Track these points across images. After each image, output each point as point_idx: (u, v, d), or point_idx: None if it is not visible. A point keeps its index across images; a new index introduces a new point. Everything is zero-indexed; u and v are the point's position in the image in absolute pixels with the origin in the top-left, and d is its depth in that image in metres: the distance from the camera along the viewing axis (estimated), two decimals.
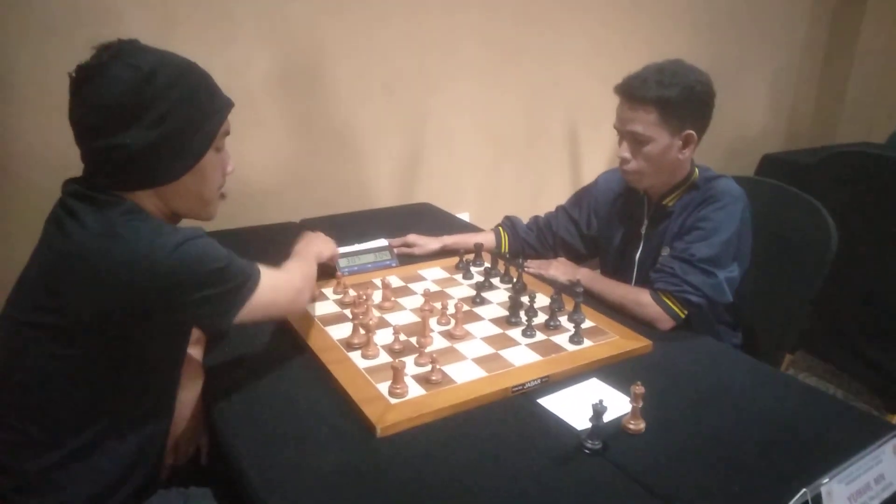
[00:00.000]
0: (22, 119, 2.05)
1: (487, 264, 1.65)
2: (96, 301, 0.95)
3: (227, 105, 1.09)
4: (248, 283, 1.07)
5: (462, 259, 1.66)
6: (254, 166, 2.30)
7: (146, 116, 0.96)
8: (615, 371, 1.26)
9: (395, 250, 1.74)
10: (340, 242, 1.69)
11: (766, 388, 1.26)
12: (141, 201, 1.02)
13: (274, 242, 1.90)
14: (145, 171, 1.00)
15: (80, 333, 0.96)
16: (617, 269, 1.69)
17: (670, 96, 1.43)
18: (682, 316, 1.45)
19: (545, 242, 1.80)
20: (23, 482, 0.98)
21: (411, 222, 2.15)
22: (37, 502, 0.98)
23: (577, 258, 1.79)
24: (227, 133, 1.10)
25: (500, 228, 1.84)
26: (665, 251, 1.54)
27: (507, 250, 1.79)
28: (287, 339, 1.33)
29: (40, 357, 0.98)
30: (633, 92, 1.45)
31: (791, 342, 1.72)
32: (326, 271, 1.61)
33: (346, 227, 1.99)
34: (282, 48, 2.39)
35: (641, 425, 1.08)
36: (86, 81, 0.97)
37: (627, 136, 1.49)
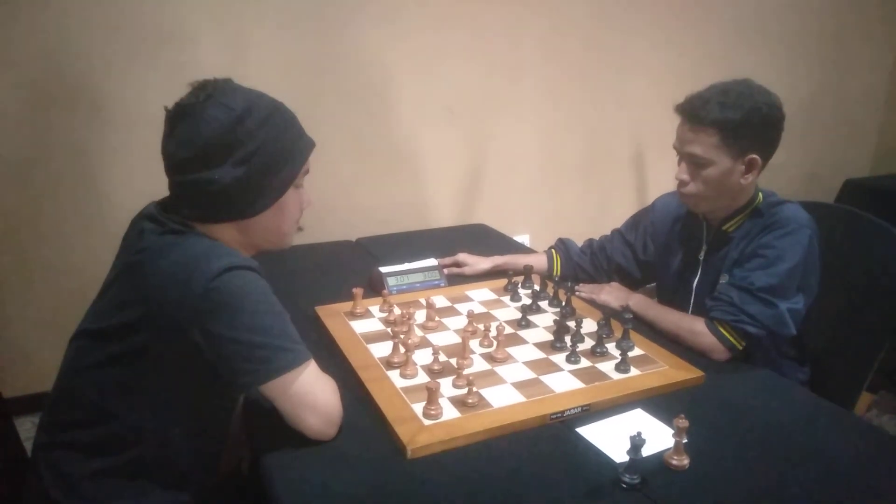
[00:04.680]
0: (109, 139, 2.20)
1: (536, 286, 1.62)
2: (143, 313, 0.99)
3: (309, 146, 1.12)
4: (289, 354, 1.00)
5: (510, 281, 1.64)
6: (314, 185, 2.37)
7: (235, 154, 1.01)
8: (663, 402, 1.20)
9: (445, 270, 1.74)
10: (393, 261, 1.71)
11: (828, 428, 1.17)
12: (220, 233, 1.06)
13: (329, 261, 1.95)
14: (228, 205, 1.04)
15: (129, 348, 1.00)
16: (674, 297, 1.62)
17: (733, 118, 1.36)
18: (740, 347, 1.37)
19: (599, 267, 1.76)
20: (69, 485, 1.03)
21: (465, 243, 2.15)
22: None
23: (632, 284, 1.73)
24: (307, 172, 1.13)
25: (553, 251, 1.81)
26: (724, 279, 1.47)
27: (558, 273, 1.75)
28: (327, 355, 1.34)
29: (97, 369, 1.03)
30: (694, 112, 1.39)
31: (867, 380, 1.59)
32: (375, 289, 1.63)
33: (400, 246, 2.01)
34: (346, 70, 2.46)
35: (685, 461, 1.02)
36: (181, 119, 1.01)
37: (686, 157, 1.43)
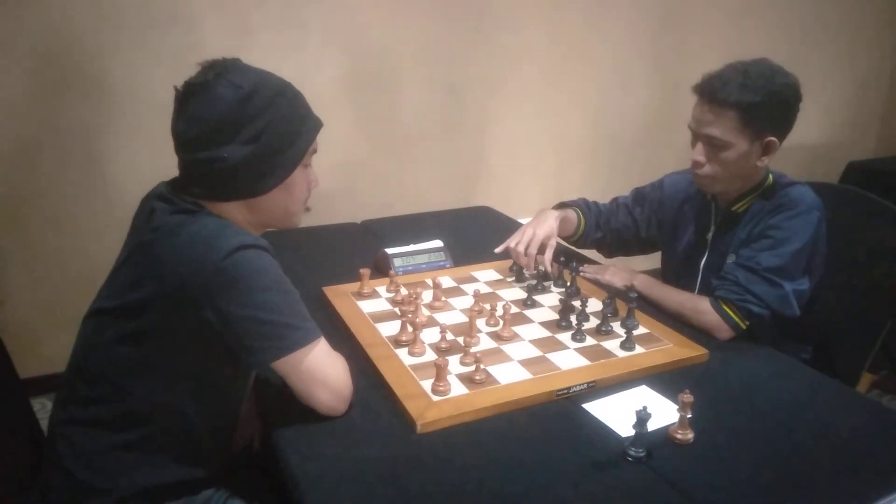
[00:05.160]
0: (114, 122, 2.21)
1: (541, 267, 1.63)
2: (156, 291, 1.00)
3: (316, 125, 1.13)
4: (300, 332, 1.02)
5: (515, 262, 1.65)
6: (320, 168, 2.38)
7: (243, 132, 1.02)
8: (667, 379, 1.22)
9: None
10: (398, 243, 1.72)
11: (831, 403, 1.19)
12: (230, 212, 1.07)
13: (335, 242, 1.97)
14: (238, 183, 1.05)
15: (143, 325, 1.02)
16: (680, 277, 1.63)
17: (753, 101, 1.34)
18: (743, 327, 1.38)
19: (602, 235, 1.76)
20: (86, 460, 1.05)
21: (470, 226, 2.16)
22: (95, 478, 1.04)
23: (626, 253, 1.77)
24: (315, 151, 1.14)
25: (580, 212, 1.76)
26: (731, 258, 1.47)
27: (584, 230, 1.74)
28: (336, 333, 1.36)
29: (112, 346, 1.04)
30: (713, 93, 1.37)
31: (869, 360, 1.61)
32: (381, 270, 1.64)
33: (405, 228, 2.01)
34: (350, 53, 2.45)
35: (689, 435, 1.04)
36: (191, 97, 1.02)
37: (703, 138, 1.41)
